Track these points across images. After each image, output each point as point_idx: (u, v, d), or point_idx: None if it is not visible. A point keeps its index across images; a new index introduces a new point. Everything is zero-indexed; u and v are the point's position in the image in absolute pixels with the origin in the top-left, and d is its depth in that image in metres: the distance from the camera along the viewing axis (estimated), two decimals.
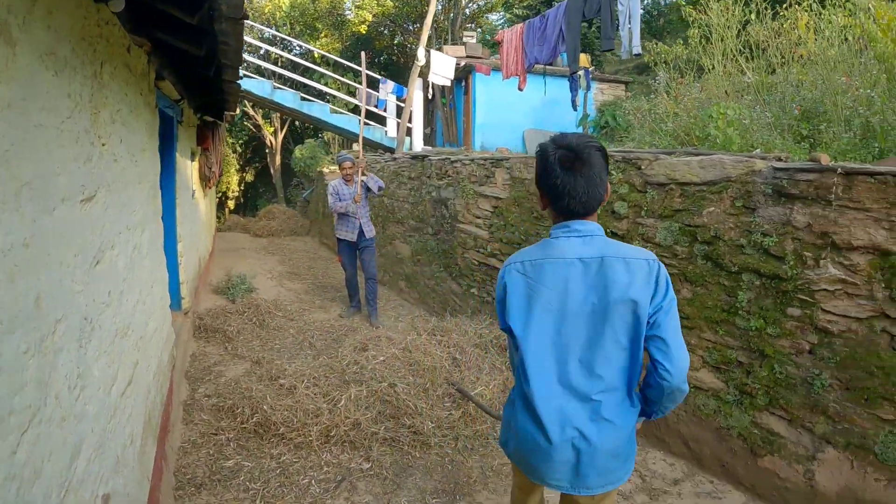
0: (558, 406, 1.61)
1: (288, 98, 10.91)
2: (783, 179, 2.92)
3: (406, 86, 10.40)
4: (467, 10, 16.13)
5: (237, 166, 19.56)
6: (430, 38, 9.80)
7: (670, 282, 1.63)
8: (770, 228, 2.98)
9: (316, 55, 14.44)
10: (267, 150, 19.00)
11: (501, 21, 19.21)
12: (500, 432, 1.87)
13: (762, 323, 3.01)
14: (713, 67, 5.24)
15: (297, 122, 18.53)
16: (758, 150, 3.70)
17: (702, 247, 3.32)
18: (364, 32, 14.81)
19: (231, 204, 19.93)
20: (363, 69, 7.96)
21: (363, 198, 6.14)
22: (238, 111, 12.06)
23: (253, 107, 16.84)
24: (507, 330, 1.69)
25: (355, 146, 6.09)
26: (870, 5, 3.73)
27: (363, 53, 8.29)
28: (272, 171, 18.79)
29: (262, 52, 14.76)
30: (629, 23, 5.98)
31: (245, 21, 2.68)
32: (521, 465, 1.74)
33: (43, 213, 1.36)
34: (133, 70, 2.63)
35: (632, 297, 1.56)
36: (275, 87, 10.73)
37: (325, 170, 12.40)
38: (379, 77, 12.40)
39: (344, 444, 3.46)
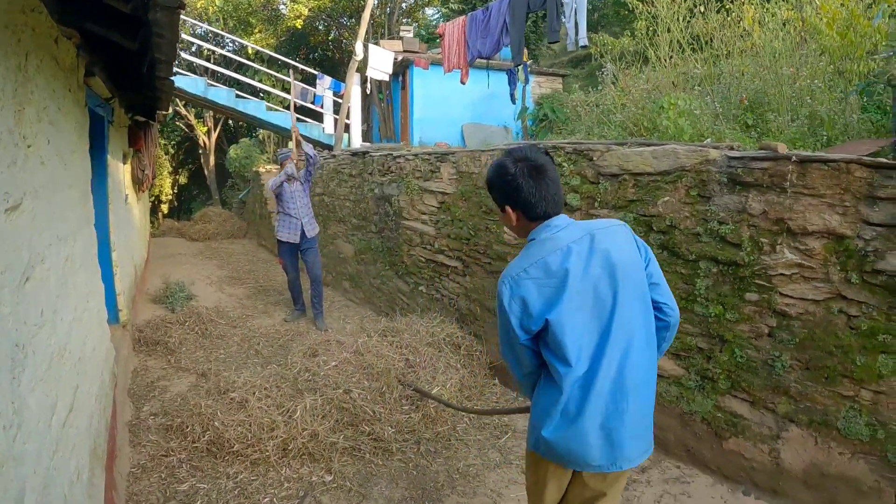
0: (593, 379, 1.66)
1: (222, 96, 10.56)
2: (738, 168, 2.97)
3: (343, 81, 10.19)
4: (403, 5, 16.01)
5: (170, 168, 18.80)
6: (366, 32, 9.62)
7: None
8: (726, 216, 3.03)
9: (250, 51, 14.01)
10: (200, 151, 18.30)
11: (437, 16, 19.18)
12: (529, 436, 1.84)
13: (721, 309, 3.06)
14: (658, 59, 5.34)
15: (231, 121, 17.95)
16: (709, 140, 3.77)
17: (658, 236, 3.35)
18: (299, 27, 14.47)
19: (165, 208, 19.13)
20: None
21: (304, 193, 5.96)
22: (170, 110, 11.52)
23: (185, 105, 16.21)
24: (531, 337, 1.73)
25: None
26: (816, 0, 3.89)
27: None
28: (206, 172, 18.13)
29: (194, 48, 14.16)
30: (575, 15, 6.03)
31: (181, 12, 2.48)
32: (557, 459, 1.74)
33: None
34: (61, 64, 2.38)
35: (629, 256, 1.72)
36: (209, 85, 10.34)
37: (262, 169, 12.09)
38: (316, 73, 12.11)
39: (303, 457, 3.32)
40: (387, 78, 10.20)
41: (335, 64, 16.77)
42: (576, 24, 6.51)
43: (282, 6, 15.40)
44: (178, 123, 17.81)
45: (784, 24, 4.41)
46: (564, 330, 1.65)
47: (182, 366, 4.82)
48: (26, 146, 1.75)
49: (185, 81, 9.90)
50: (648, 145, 3.52)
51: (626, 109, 4.97)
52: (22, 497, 1.35)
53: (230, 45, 16.27)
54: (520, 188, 1.71)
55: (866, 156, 2.58)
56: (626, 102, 5.07)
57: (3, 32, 1.54)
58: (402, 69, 11.71)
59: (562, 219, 1.75)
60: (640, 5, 5.25)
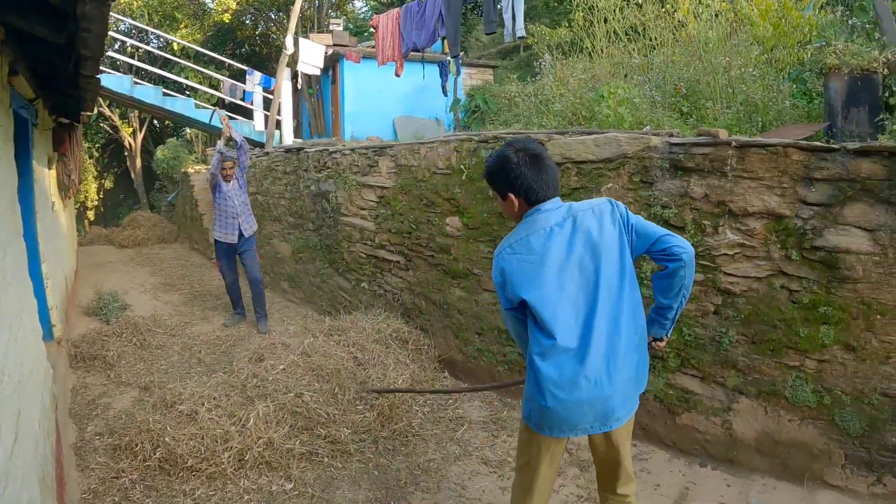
0: (586, 348, 1.80)
1: (149, 94, 10.13)
2: (679, 154, 3.07)
3: (272, 76, 9.92)
4: None
5: (95, 173, 17.82)
6: (296, 25, 9.40)
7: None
8: (669, 201, 3.13)
9: (176, 47, 13.43)
10: (126, 153, 17.45)
11: (366, 9, 18.97)
12: (524, 408, 1.98)
13: None
14: (594, 48, 5.46)
15: (157, 121, 17.17)
16: (648, 128, 3.88)
17: None
18: (227, 21, 13.99)
19: (91, 215, 18.14)
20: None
21: (242, 189, 5.80)
22: (94, 111, 10.91)
23: (109, 105, 15.36)
24: (514, 307, 1.90)
25: (220, 143, 5.68)
26: None
27: None
28: (133, 175, 17.32)
29: (117, 45, 13.43)
30: (512, 6, 6.07)
31: (111, 4, 2.33)
32: (553, 427, 1.86)
33: None
34: None
35: (610, 234, 1.86)
36: (135, 83, 9.85)
37: (191, 170, 11.66)
38: (245, 68, 11.75)
39: (260, 466, 3.22)
40: (318, 72, 10.01)
41: (263, 59, 16.36)
42: (513, 14, 6.56)
43: (208, 0, 14.86)
44: (101, 125, 16.89)
45: (716, 15, 4.61)
46: (545, 306, 1.81)
47: (123, 380, 4.59)
48: None
49: (110, 80, 9.47)
50: (590, 133, 3.59)
51: (564, 99, 5.05)
52: None
53: (155, 41, 15.61)
54: (523, 176, 1.87)
55: (802, 140, 2.73)
56: (563, 92, 5.16)
57: None
58: (332, 63, 11.50)
59: (552, 202, 1.91)
60: None
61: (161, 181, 15.37)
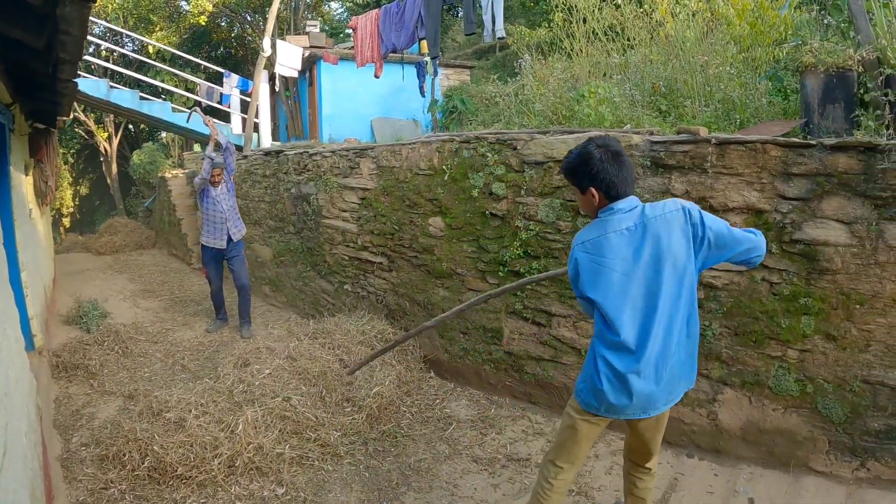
0: (643, 350, 1.94)
1: (126, 98, 9.98)
2: (660, 152, 3.13)
3: (249, 79, 9.84)
4: (308, 0, 15.65)
5: (70, 179, 17.51)
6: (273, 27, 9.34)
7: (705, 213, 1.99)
8: (651, 197, 3.18)
9: (151, 50, 13.24)
10: (102, 159, 17.18)
11: (342, 10, 18.90)
12: (578, 384, 2.16)
13: None
14: (573, 48, 5.51)
15: (132, 125, 16.91)
16: (628, 126, 3.94)
17: (586, 220, 3.46)
18: (203, 24, 13.84)
19: (66, 221, 17.85)
20: None
21: (230, 194, 5.74)
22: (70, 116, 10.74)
23: (84, 110, 15.08)
24: (584, 297, 2.04)
25: (197, 147, 5.64)
26: None
27: None
28: (109, 181, 17.06)
29: (91, 49, 13.21)
30: (492, 7, 6.10)
31: (91, 6, 2.29)
32: (601, 408, 2.04)
33: None
34: None
35: (678, 242, 1.94)
36: (111, 87, 9.68)
37: (168, 175, 11.52)
38: (222, 70, 11.63)
39: (251, 472, 3.20)
40: (296, 74, 9.97)
41: (238, 61, 16.26)
42: (492, 16, 6.60)
43: (183, 3, 14.69)
44: (76, 130, 16.60)
45: (693, 15, 4.69)
46: (610, 307, 1.96)
47: (107, 389, 4.53)
48: None
49: (86, 84, 9.29)
50: (571, 133, 3.63)
51: (544, 98, 5.09)
52: None
53: (130, 44, 15.39)
54: (605, 171, 1.96)
55: (780, 136, 2.80)
56: (544, 92, 5.20)
57: None
58: (309, 65, 11.44)
59: (628, 201, 1.99)
60: None
61: (138, 186, 15.18)
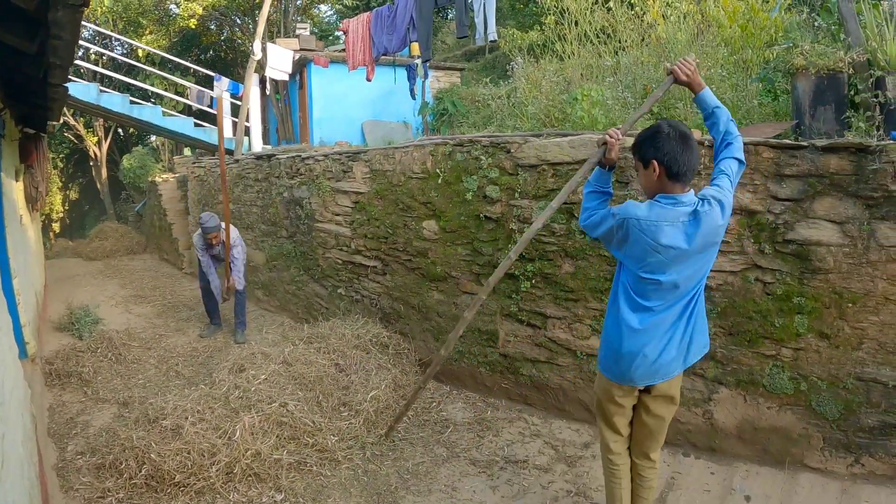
0: (655, 328, 2.13)
1: (116, 102, 9.90)
2: None
3: (239, 82, 9.80)
4: (298, 2, 15.61)
5: (59, 184, 17.37)
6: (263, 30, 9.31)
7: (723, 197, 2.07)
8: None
9: (141, 53, 13.16)
10: (91, 163, 17.06)
11: (332, 13, 18.87)
12: (599, 354, 2.35)
13: None
14: (565, 51, 5.54)
15: (121, 129, 16.80)
16: None
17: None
18: (193, 27, 13.78)
19: (56, 227, 17.71)
20: None
21: (236, 247, 5.73)
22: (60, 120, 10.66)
23: (74, 114, 14.96)
24: (615, 253, 2.22)
25: (187, 151, 5.59)
26: None
27: None
28: (99, 185, 16.93)
29: (80, 53, 13.11)
30: (484, 10, 6.12)
31: (84, 10, 2.28)
32: (616, 374, 2.23)
33: None
34: None
35: (719, 230, 2.07)
36: (101, 91, 9.61)
37: (158, 178, 11.46)
38: (213, 74, 11.59)
39: (249, 478, 3.19)
40: (286, 77, 9.93)
41: (228, 65, 16.21)
42: (485, 18, 6.62)
43: (173, 6, 14.61)
44: (66, 134, 16.48)
45: (684, 17, 4.72)
46: (645, 285, 2.10)
47: (101, 396, 4.50)
48: None
49: (76, 88, 9.21)
50: (565, 135, 3.64)
51: (537, 101, 5.11)
52: None
53: (119, 47, 15.29)
54: (670, 146, 2.03)
55: (772, 138, 2.83)
56: (537, 95, 5.22)
57: None
58: (299, 68, 11.42)
59: (687, 196, 2.06)
60: (550, 0, 5.44)
61: (128, 191, 15.09)
